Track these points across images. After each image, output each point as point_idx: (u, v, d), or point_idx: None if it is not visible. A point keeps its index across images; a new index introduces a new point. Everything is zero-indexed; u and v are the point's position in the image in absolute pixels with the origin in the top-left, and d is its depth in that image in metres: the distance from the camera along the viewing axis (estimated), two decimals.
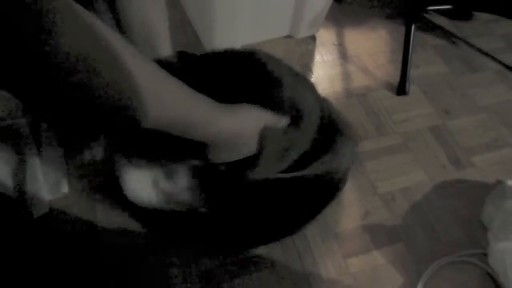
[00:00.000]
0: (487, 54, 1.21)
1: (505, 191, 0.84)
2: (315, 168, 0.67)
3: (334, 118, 0.75)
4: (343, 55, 1.14)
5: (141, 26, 0.58)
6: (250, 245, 0.76)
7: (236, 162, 0.59)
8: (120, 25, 0.59)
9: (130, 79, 0.38)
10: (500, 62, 1.20)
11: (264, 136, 0.58)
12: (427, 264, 0.79)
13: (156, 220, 0.71)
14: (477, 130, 1.02)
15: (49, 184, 0.74)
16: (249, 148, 0.58)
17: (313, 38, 1.15)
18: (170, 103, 0.45)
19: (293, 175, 0.64)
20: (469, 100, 1.09)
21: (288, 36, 1.14)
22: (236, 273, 0.74)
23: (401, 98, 1.07)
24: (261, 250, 0.77)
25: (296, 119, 0.63)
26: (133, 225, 0.74)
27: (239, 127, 0.55)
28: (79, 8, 0.34)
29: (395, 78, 1.09)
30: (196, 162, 0.60)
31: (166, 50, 0.60)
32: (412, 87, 1.08)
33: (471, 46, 1.23)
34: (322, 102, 0.72)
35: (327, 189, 0.74)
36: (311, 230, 0.81)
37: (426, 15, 1.27)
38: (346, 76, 1.09)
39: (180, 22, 1.12)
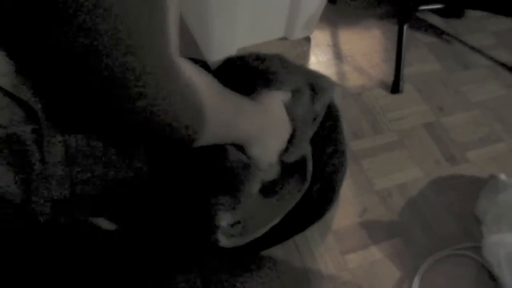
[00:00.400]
0: (479, 51, 1.23)
1: (498, 185, 0.86)
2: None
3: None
4: (338, 55, 1.16)
5: None
6: (259, 249, 0.78)
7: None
8: None
9: (196, 98, 0.37)
10: (492, 59, 1.22)
11: (293, 115, 0.59)
12: (424, 258, 0.81)
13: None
14: (470, 126, 1.05)
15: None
16: (287, 130, 0.59)
17: (308, 40, 1.17)
18: (226, 118, 0.44)
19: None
20: (462, 96, 1.11)
21: (284, 38, 1.16)
22: (237, 271, 0.76)
23: (396, 96, 1.09)
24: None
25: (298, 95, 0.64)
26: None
27: (272, 115, 0.56)
28: None
29: (390, 77, 1.11)
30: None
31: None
32: (406, 85, 1.11)
33: (464, 43, 1.25)
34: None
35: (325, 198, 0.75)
36: (310, 227, 0.83)
37: (419, 14, 1.29)
38: (341, 76, 1.11)
39: (180, 30, 1.14)
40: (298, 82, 0.67)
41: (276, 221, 0.66)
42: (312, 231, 0.83)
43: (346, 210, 0.87)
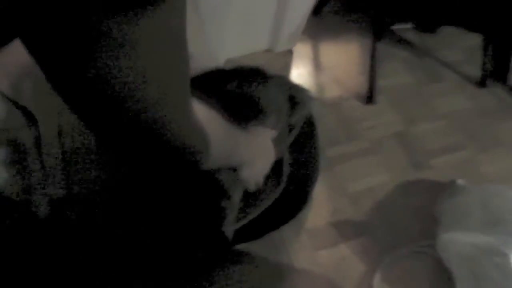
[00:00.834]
0: (449, 66, 1.33)
1: (456, 189, 0.96)
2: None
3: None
4: (318, 67, 1.25)
5: None
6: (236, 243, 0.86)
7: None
8: None
9: (203, 128, 0.45)
10: (460, 73, 1.32)
11: (277, 145, 0.70)
12: (387, 254, 0.91)
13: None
14: (436, 136, 1.15)
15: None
16: (273, 156, 0.71)
17: (290, 52, 1.26)
18: (226, 149, 0.54)
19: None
20: (431, 108, 1.21)
21: (268, 50, 1.25)
22: (216, 266, 0.84)
23: (370, 107, 1.18)
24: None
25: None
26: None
27: (261, 145, 0.68)
28: None
29: (366, 89, 1.20)
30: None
31: None
32: (380, 97, 1.20)
33: (435, 58, 1.35)
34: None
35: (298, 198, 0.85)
36: (286, 226, 0.92)
37: (396, 30, 1.39)
38: (320, 87, 1.21)
39: None
40: (278, 103, 0.77)
41: (253, 215, 0.75)
42: (288, 230, 0.92)
43: (319, 211, 0.96)
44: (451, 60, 1.35)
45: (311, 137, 0.86)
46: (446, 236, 0.87)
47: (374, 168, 1.06)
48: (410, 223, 0.97)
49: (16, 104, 0.60)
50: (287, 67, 1.23)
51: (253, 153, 0.65)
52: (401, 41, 1.37)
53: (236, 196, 0.72)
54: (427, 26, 1.41)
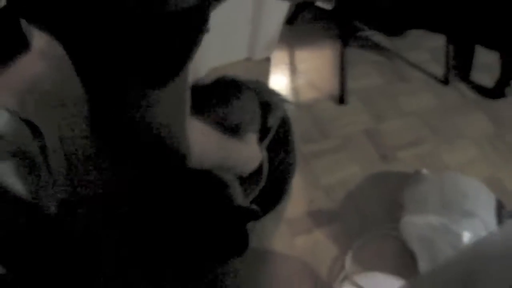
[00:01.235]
0: (415, 66, 1.45)
1: (418, 178, 1.07)
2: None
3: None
4: (294, 72, 1.36)
5: None
6: None
7: None
8: None
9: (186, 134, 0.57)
10: (426, 72, 1.44)
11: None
12: (357, 238, 1.02)
13: None
14: (402, 131, 1.26)
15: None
16: (259, 158, 0.81)
17: (268, 59, 1.37)
18: (207, 150, 0.65)
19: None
20: (398, 106, 1.33)
21: (248, 59, 1.36)
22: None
23: (342, 107, 1.29)
24: None
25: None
26: None
27: (250, 149, 0.79)
28: None
29: (338, 91, 1.31)
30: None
31: None
32: (351, 97, 1.31)
33: (403, 59, 1.47)
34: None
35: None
36: (267, 215, 1.02)
37: (366, 34, 1.50)
38: (296, 91, 1.32)
39: None
40: (254, 111, 0.88)
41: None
42: (269, 219, 1.02)
43: (296, 202, 1.07)
44: (418, 60, 1.46)
45: (287, 137, 0.97)
46: (407, 219, 0.98)
47: (345, 162, 1.17)
48: (378, 210, 1.08)
49: (22, 118, 0.71)
50: (265, 74, 1.34)
51: (244, 157, 0.77)
52: (371, 45, 1.48)
53: (236, 183, 0.83)
54: (393, 31, 1.52)
